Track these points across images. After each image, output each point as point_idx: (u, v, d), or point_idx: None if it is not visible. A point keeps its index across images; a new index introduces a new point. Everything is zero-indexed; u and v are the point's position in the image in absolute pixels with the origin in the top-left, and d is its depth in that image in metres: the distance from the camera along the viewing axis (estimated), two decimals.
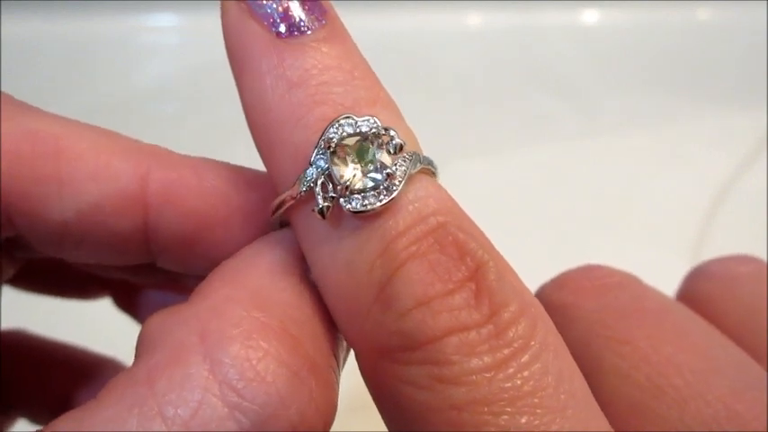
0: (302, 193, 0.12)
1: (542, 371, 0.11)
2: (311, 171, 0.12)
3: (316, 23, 0.13)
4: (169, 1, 0.46)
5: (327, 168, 0.12)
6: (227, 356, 0.11)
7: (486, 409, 0.11)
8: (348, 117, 0.12)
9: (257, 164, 0.14)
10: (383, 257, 0.12)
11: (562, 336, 0.12)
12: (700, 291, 0.17)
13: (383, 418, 0.13)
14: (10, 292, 0.19)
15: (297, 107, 0.13)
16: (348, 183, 0.12)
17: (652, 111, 0.47)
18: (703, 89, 0.48)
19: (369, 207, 0.12)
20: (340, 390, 0.13)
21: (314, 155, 0.12)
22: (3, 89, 0.14)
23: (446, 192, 0.13)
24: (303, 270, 0.13)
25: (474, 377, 0.11)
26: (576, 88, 0.48)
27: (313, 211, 0.12)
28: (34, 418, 0.20)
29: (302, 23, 0.13)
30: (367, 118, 0.12)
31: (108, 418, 0.11)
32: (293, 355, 0.12)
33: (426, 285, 0.12)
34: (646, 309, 0.15)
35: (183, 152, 0.15)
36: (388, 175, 0.12)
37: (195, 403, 0.11)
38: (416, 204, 0.12)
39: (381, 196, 0.12)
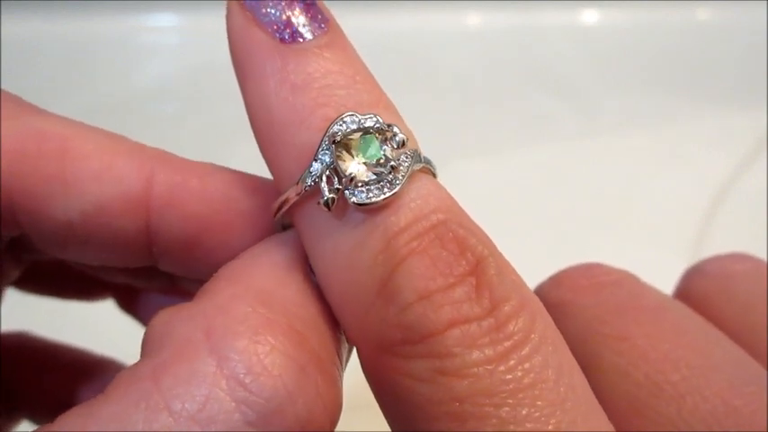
0: (307, 188, 0.13)
1: (543, 363, 0.11)
2: (316, 166, 0.13)
3: (318, 30, 0.13)
4: (169, 1, 0.46)
5: (332, 163, 0.12)
6: (234, 351, 0.11)
7: (487, 400, 0.11)
8: (352, 114, 0.13)
9: (257, 163, 0.14)
10: (385, 253, 0.12)
11: (560, 333, 0.12)
12: (695, 289, 0.17)
13: (384, 413, 0.13)
14: (12, 295, 0.19)
15: (300, 109, 0.13)
16: (353, 175, 0.12)
17: (652, 111, 0.47)
18: (703, 89, 0.48)
19: (373, 200, 0.12)
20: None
21: (319, 151, 0.13)
22: (3, 89, 0.14)
23: (446, 190, 0.13)
24: (306, 270, 0.13)
25: (476, 369, 0.11)
26: (575, 88, 0.48)
27: (318, 203, 0.12)
28: (37, 419, 0.20)
29: (305, 30, 0.13)
30: (370, 115, 0.13)
31: (114, 413, 0.11)
32: (300, 350, 0.12)
33: (428, 280, 0.12)
34: (643, 306, 0.15)
35: (183, 152, 0.15)
36: (392, 167, 0.12)
37: (202, 398, 0.11)
38: (418, 202, 0.12)
39: (385, 189, 0.12)
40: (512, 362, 0.11)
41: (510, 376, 0.11)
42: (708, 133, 0.45)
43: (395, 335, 0.12)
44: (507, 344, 0.11)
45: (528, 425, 0.11)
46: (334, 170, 0.13)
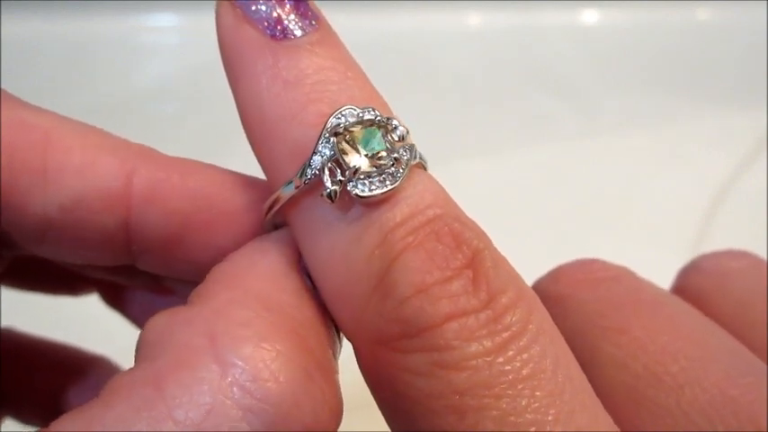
0: (307, 181, 0.13)
1: (541, 354, 0.11)
2: (316, 158, 0.13)
3: (309, 27, 0.13)
4: (169, 1, 0.46)
5: (333, 155, 0.12)
6: (240, 358, 0.11)
7: (487, 392, 0.11)
8: (351, 108, 0.13)
9: (257, 163, 0.14)
10: (381, 248, 0.12)
11: (558, 327, 0.12)
12: (692, 285, 0.17)
13: (382, 410, 0.13)
14: None
15: (293, 104, 0.13)
16: (357, 168, 0.12)
17: (652, 111, 0.47)
18: (703, 89, 0.48)
19: (375, 192, 0.12)
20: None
21: (319, 143, 0.13)
22: (3, 89, 0.14)
23: (440, 185, 0.13)
24: (301, 271, 0.13)
25: (474, 361, 0.11)
26: (575, 88, 0.48)
27: (321, 195, 0.12)
28: (23, 417, 0.20)
29: (296, 27, 0.13)
30: (369, 108, 0.13)
31: (115, 420, 0.10)
32: (304, 355, 0.12)
33: (424, 273, 0.12)
34: (641, 300, 0.15)
35: (183, 152, 0.15)
36: (395, 159, 0.12)
37: (207, 406, 0.10)
38: (414, 197, 0.12)
39: (387, 182, 0.12)
40: (510, 353, 0.11)
41: (509, 367, 0.11)
42: (708, 133, 0.45)
43: (392, 329, 0.12)
44: (505, 335, 0.11)
45: (528, 416, 0.11)
46: (336, 162, 0.12)
